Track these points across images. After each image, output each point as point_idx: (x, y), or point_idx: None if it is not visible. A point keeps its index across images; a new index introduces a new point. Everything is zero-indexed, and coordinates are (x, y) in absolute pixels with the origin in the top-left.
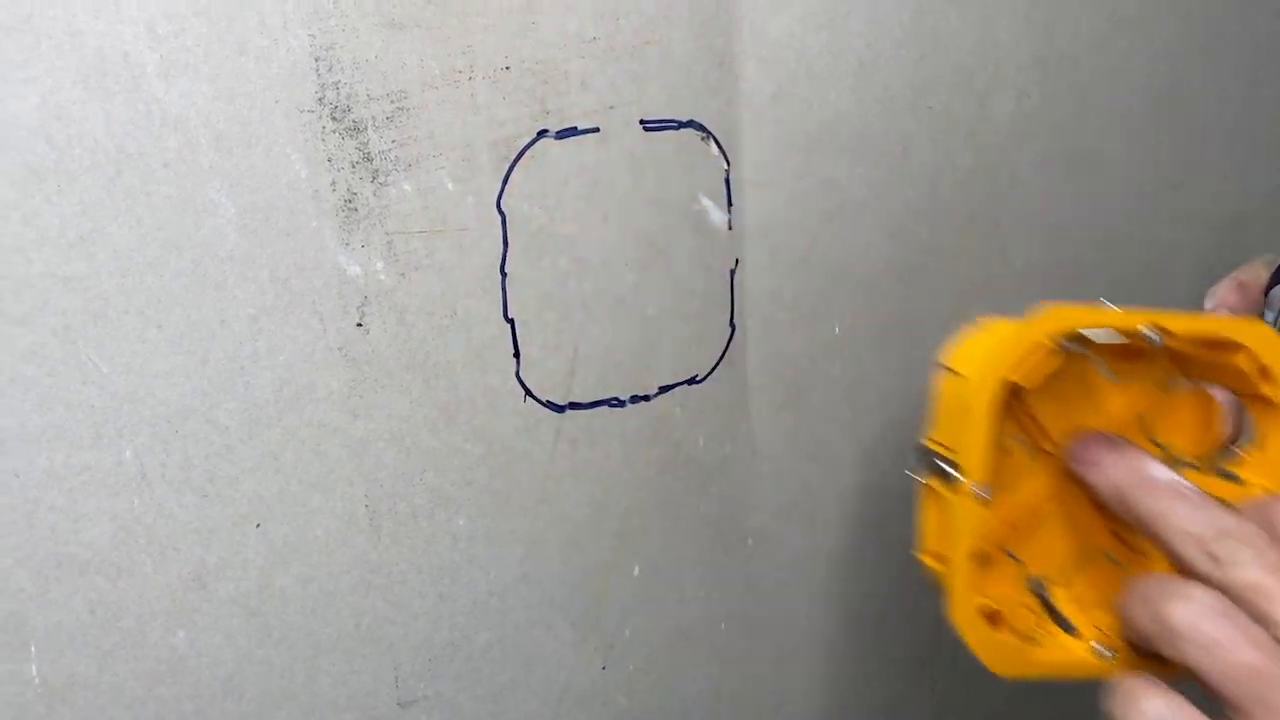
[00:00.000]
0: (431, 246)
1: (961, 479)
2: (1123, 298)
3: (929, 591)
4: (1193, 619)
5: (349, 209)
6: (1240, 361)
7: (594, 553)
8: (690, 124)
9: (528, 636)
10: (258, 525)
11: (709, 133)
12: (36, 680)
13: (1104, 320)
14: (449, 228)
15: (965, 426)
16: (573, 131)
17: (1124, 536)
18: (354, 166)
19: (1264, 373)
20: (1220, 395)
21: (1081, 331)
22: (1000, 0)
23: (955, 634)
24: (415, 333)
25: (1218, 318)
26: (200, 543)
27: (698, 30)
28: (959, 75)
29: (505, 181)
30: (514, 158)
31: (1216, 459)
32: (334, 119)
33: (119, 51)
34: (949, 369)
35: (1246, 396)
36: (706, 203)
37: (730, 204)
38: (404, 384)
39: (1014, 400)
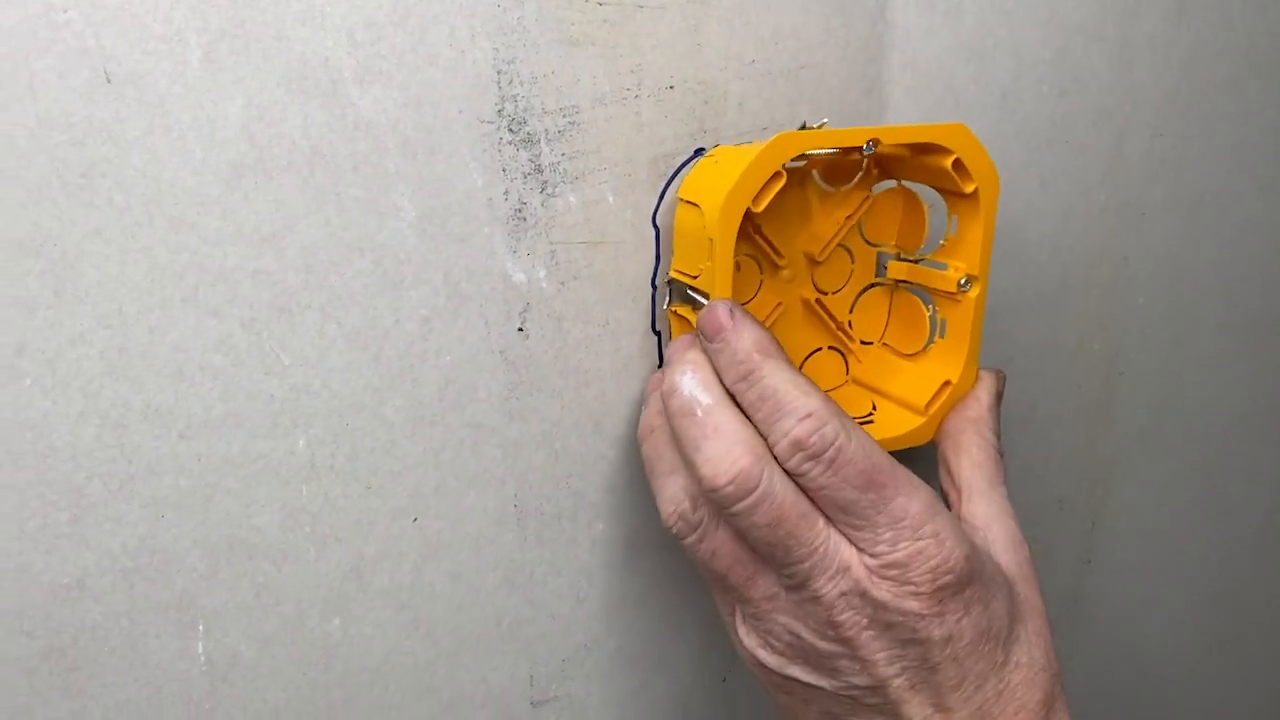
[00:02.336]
0: (591, 257)
1: (706, 302)
2: (1246, 340)
3: None
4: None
5: (518, 218)
6: (942, 162)
7: None
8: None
9: (656, 644)
10: (414, 520)
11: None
12: (202, 658)
13: (829, 141)
14: (608, 240)
15: (708, 253)
16: None
17: (844, 330)
18: (526, 177)
19: (961, 169)
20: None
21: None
22: (1140, 41)
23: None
24: (570, 340)
25: (924, 126)
26: (360, 534)
27: (851, 57)
28: (1097, 112)
29: (661, 197)
30: (671, 174)
31: (923, 250)
32: (511, 130)
33: (320, 57)
34: (687, 201)
35: (947, 193)
36: None
37: None
38: (557, 389)
39: (746, 222)
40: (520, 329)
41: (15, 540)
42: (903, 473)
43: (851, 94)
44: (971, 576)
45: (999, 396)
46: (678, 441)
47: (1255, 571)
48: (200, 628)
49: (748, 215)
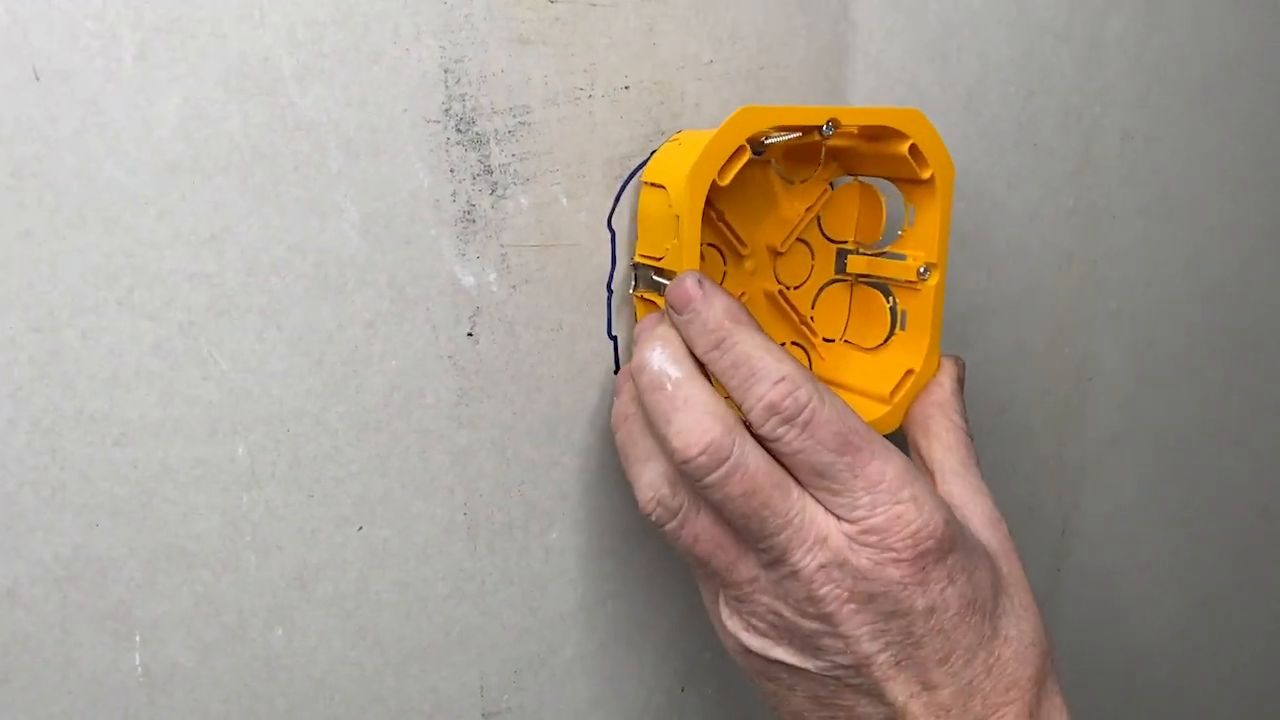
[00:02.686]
0: (543, 260)
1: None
2: (1218, 345)
3: None
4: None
5: (467, 220)
6: (899, 148)
7: (682, 572)
8: None
9: (612, 654)
10: (360, 528)
11: None
12: (139, 669)
13: (790, 117)
14: (561, 243)
15: (674, 232)
16: None
17: (806, 324)
18: (475, 178)
19: (917, 155)
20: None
21: (763, 139)
22: (1109, 41)
23: None
24: (522, 345)
25: (881, 108)
26: (304, 542)
27: (813, 57)
28: (1065, 114)
29: (617, 200)
30: (627, 176)
31: (882, 243)
32: (459, 130)
33: (259, 55)
34: (650, 184)
35: (903, 182)
36: None
37: None
38: (509, 395)
39: (709, 209)
40: (470, 334)
41: None
42: (878, 438)
43: (813, 95)
44: (953, 543)
45: (961, 381)
46: (649, 417)
47: (1228, 577)
48: (137, 638)
49: (711, 203)
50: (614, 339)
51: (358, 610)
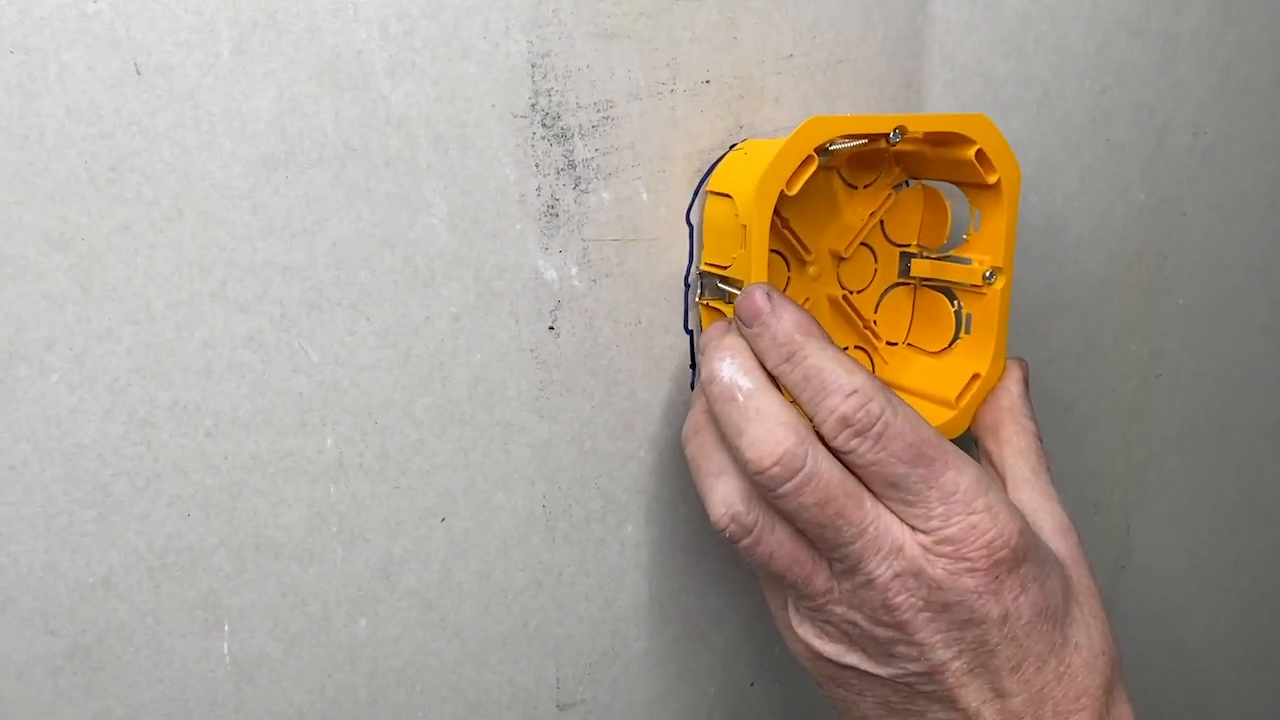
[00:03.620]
0: (623, 255)
1: (738, 293)
2: None
3: None
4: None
5: (550, 214)
6: (965, 154)
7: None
8: None
9: (684, 647)
10: (443, 519)
11: None
12: (227, 658)
13: (858, 126)
14: (640, 237)
15: (740, 241)
16: None
17: (870, 329)
18: (559, 173)
19: (983, 160)
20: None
21: (828, 146)
22: (1184, 36)
23: None
24: (601, 338)
25: (948, 115)
26: (388, 533)
27: (889, 51)
28: (1139, 109)
29: (696, 194)
30: (706, 171)
31: (946, 247)
32: (544, 125)
33: (352, 49)
34: (716, 193)
35: (969, 186)
36: None
37: None
38: (588, 388)
39: (774, 216)
40: (551, 327)
41: (41, 538)
42: (951, 447)
43: (890, 88)
44: (1027, 552)
45: (1027, 383)
46: (721, 429)
47: None
48: (226, 627)
49: (777, 209)
50: (690, 333)
51: (439, 601)
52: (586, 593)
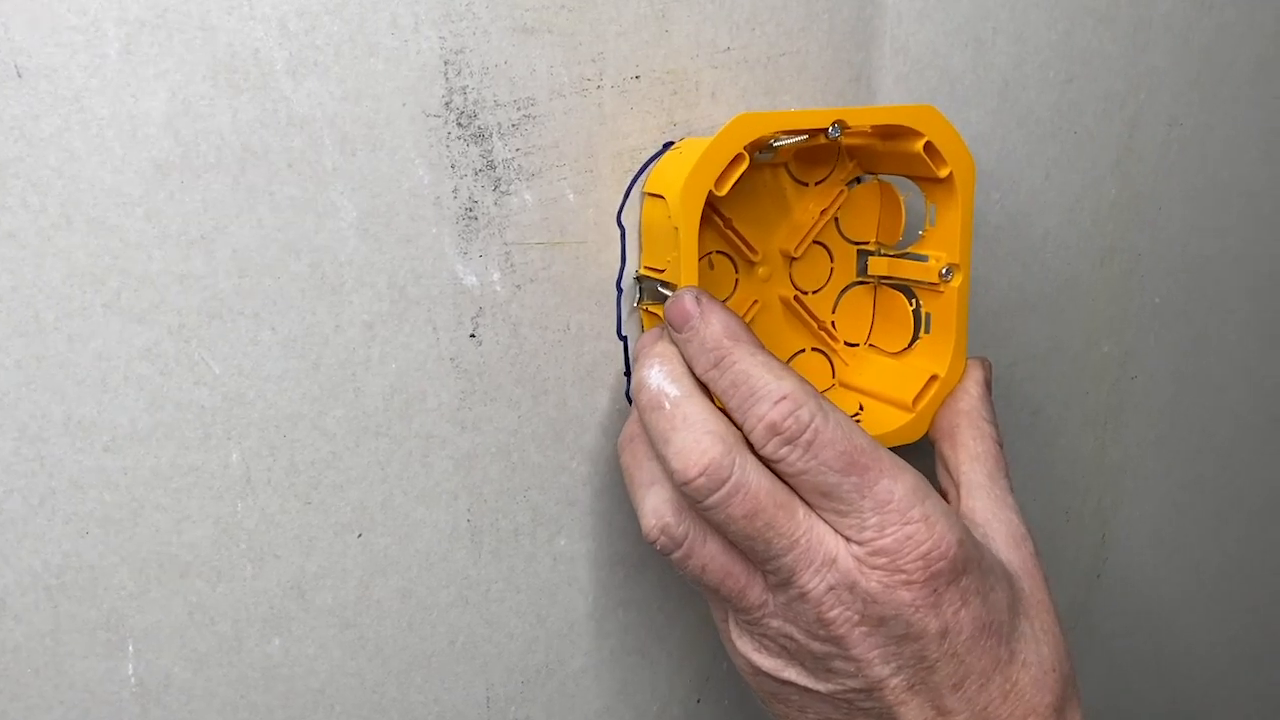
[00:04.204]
0: (549, 259)
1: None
2: (1268, 341)
3: None
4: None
5: (469, 217)
6: (914, 146)
7: None
8: None
9: (623, 663)
10: (359, 535)
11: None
12: (133, 680)
13: (791, 122)
14: (568, 240)
15: (673, 244)
16: None
17: (826, 330)
18: (477, 174)
19: (933, 153)
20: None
21: (771, 142)
22: (1156, 22)
23: None
24: (528, 346)
25: (891, 107)
26: (301, 550)
27: (836, 43)
28: (1108, 100)
29: (627, 195)
30: (638, 170)
31: (903, 243)
32: (460, 124)
33: (250, 48)
34: (652, 195)
35: (922, 180)
36: None
37: None
38: (514, 398)
39: (716, 216)
40: (473, 335)
41: None
42: (886, 455)
43: (837, 82)
44: (966, 564)
45: (989, 385)
46: (649, 438)
47: (1277, 585)
48: (130, 648)
49: (718, 210)
50: (624, 339)
51: (358, 619)
52: (517, 609)
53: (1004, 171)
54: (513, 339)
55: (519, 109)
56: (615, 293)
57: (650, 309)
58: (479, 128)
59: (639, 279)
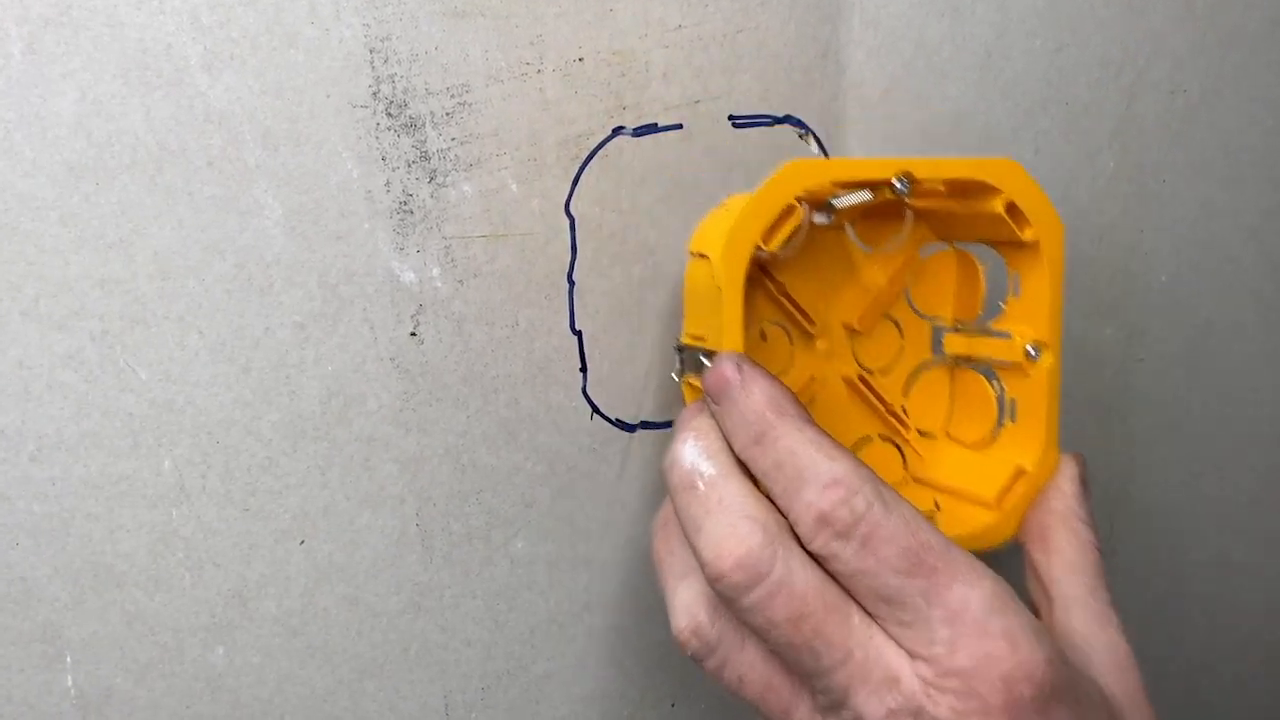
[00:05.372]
0: (493, 252)
1: None
2: (1276, 321)
3: None
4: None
5: (404, 211)
6: (993, 206)
7: None
8: (786, 119)
9: (591, 668)
10: (301, 542)
11: (808, 129)
12: (73, 691)
13: (848, 171)
14: (512, 232)
15: (717, 307)
16: (652, 128)
17: (896, 416)
18: (410, 166)
19: (1016, 214)
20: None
21: (830, 201)
22: None
23: None
24: (474, 344)
25: (966, 160)
26: (241, 558)
27: (799, 17)
28: (1103, 68)
29: (575, 183)
30: (585, 157)
31: (983, 319)
32: (389, 115)
33: (161, 44)
34: (694, 254)
35: (1003, 245)
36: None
37: None
38: (461, 397)
39: (769, 282)
40: (413, 333)
41: None
42: (961, 555)
43: (803, 58)
44: (1057, 689)
45: (1085, 482)
46: (681, 523)
47: None
48: (68, 659)
49: (771, 275)
50: (578, 334)
51: (305, 627)
52: (473, 614)
53: (989, 148)
54: (457, 336)
55: (453, 96)
56: (567, 285)
57: (693, 382)
58: (410, 117)
59: (679, 348)
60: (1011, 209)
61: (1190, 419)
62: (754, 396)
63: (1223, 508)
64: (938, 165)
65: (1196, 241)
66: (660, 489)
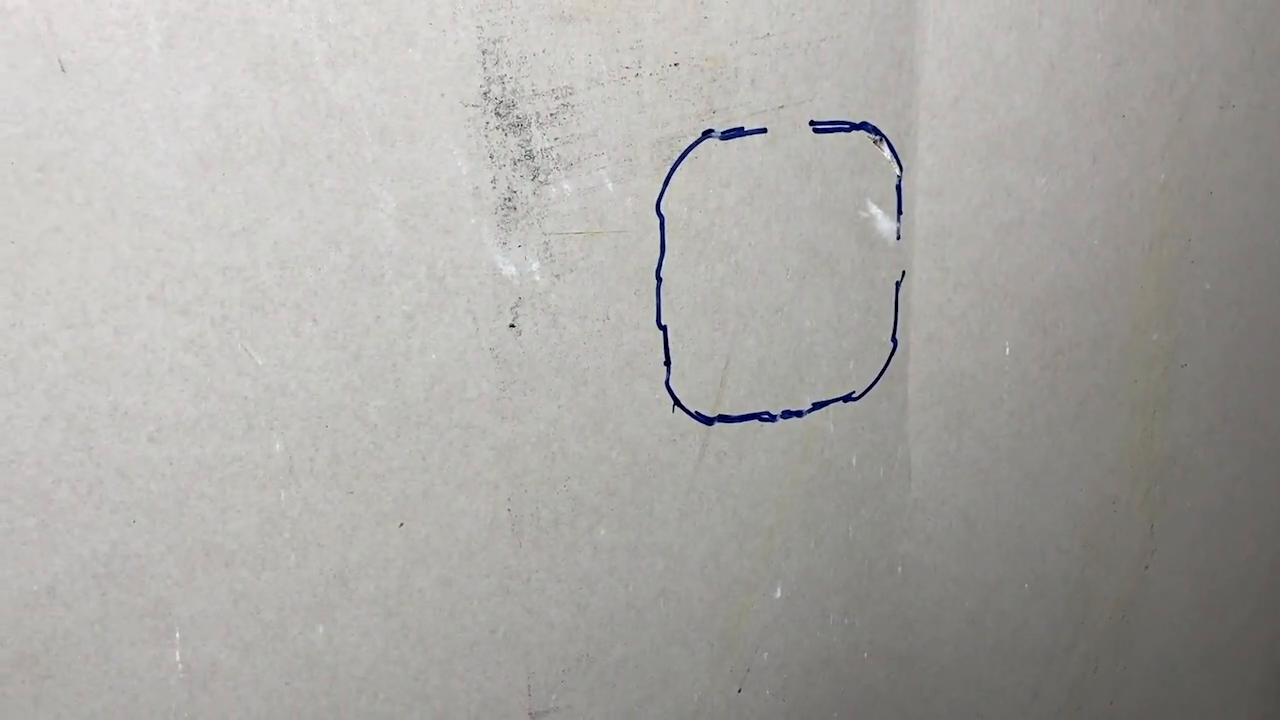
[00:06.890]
0: (588, 248)
1: None
2: None
3: (1088, 632)
4: None
5: (508, 207)
6: None
7: (736, 570)
8: (863, 126)
9: (664, 653)
10: (401, 525)
11: (882, 136)
12: (180, 666)
13: None
14: (606, 229)
15: None
16: (739, 132)
17: None
18: (515, 164)
19: None
20: None
21: None
22: (1208, 2)
23: (1115, 684)
24: (567, 336)
25: None
26: (343, 539)
27: (878, 27)
28: (1158, 82)
29: (666, 183)
30: (677, 159)
31: None
32: (498, 114)
33: (289, 40)
34: None
35: None
36: (875, 210)
37: (900, 212)
38: (553, 388)
39: None
40: (512, 325)
41: None
42: None
43: (880, 67)
44: None
45: None
46: None
47: None
48: (177, 635)
49: None
50: (664, 329)
51: (400, 608)
52: (557, 598)
53: (1049, 157)
54: (552, 329)
55: (557, 98)
56: (655, 282)
57: None
58: (517, 117)
59: None
60: None
61: (1230, 423)
62: None
63: (1263, 509)
64: None
65: (1240, 251)
66: (735, 479)
